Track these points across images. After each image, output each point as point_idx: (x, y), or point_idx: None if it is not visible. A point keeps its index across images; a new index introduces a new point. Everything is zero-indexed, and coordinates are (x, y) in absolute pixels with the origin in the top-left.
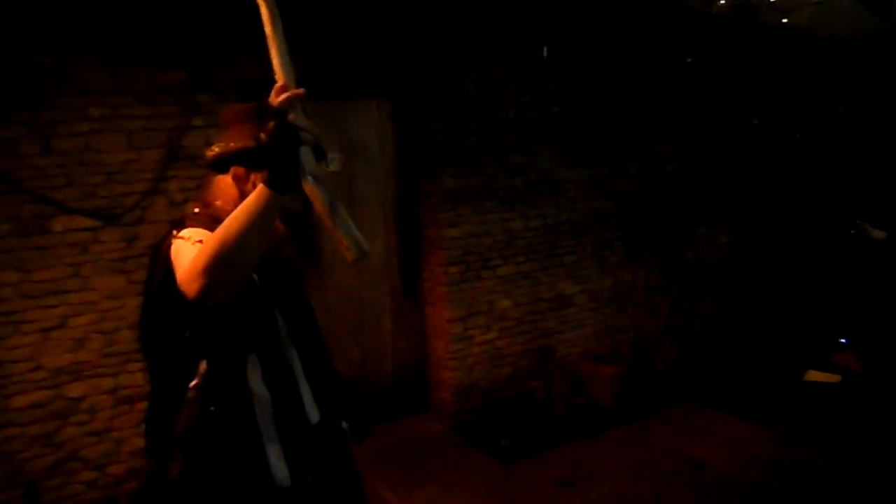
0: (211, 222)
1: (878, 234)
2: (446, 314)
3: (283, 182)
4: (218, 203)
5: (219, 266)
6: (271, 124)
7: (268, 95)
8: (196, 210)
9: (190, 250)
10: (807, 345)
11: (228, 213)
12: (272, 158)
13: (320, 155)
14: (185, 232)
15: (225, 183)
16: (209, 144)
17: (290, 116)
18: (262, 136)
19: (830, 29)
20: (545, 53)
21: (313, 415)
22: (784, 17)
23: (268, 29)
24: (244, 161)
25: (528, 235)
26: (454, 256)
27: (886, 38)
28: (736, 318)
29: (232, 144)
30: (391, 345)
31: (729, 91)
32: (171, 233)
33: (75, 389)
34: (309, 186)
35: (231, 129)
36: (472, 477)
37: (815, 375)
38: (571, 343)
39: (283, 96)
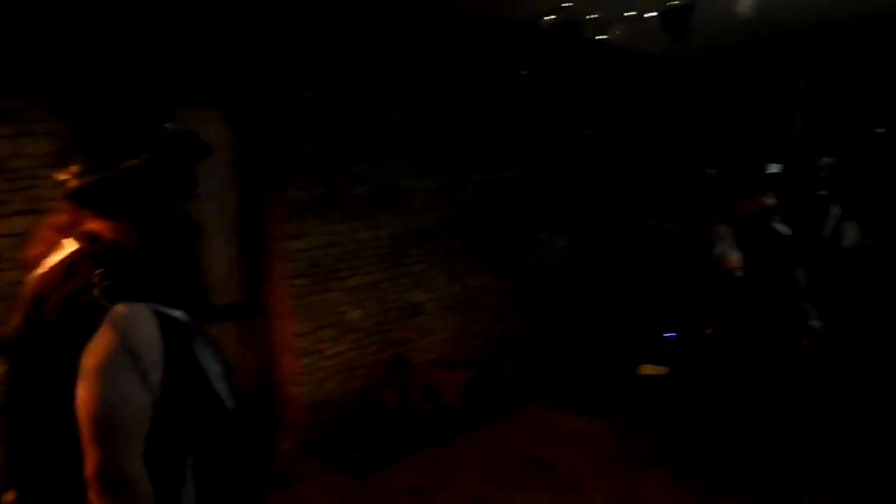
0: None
1: (782, 228)
2: (294, 328)
3: None
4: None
5: None
6: None
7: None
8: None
9: None
10: (639, 340)
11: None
12: None
13: None
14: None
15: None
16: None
17: None
18: None
19: (646, 45)
20: (386, 63)
21: None
22: (604, 34)
23: None
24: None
25: (377, 245)
26: (300, 269)
27: (694, 56)
28: (576, 318)
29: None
30: (235, 362)
31: (563, 103)
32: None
33: None
34: None
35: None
36: (322, 493)
37: (647, 369)
38: (423, 351)
39: None
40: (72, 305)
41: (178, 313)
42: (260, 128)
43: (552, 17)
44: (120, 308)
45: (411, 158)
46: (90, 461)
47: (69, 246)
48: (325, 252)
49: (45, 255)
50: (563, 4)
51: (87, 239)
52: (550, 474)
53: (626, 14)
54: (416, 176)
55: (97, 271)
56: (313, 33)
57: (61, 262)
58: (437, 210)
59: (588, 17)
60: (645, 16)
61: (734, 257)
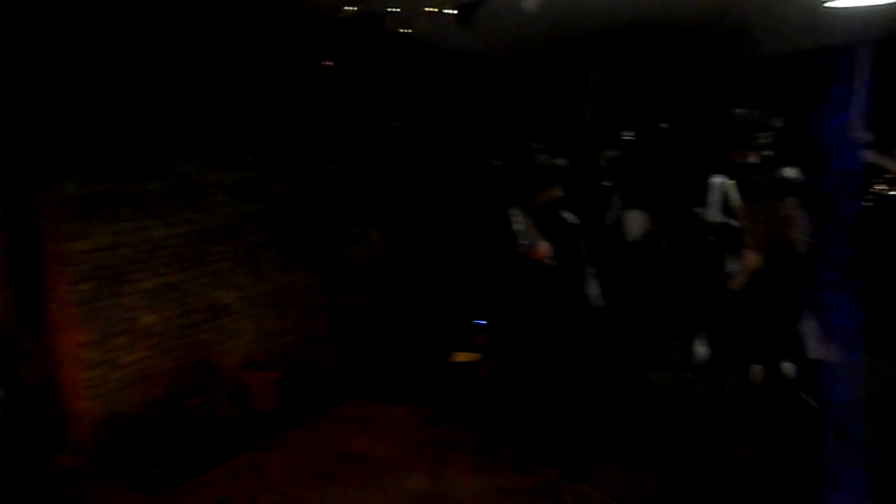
0: None
1: (570, 217)
2: (78, 338)
3: None
4: None
5: None
6: None
7: None
8: None
9: None
10: (452, 329)
11: None
12: None
13: None
14: None
15: None
16: None
17: None
18: None
19: (453, 40)
20: (180, 50)
21: None
22: (407, 28)
23: None
24: None
25: (174, 244)
26: (83, 272)
27: (497, 53)
28: (391, 310)
29: None
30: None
31: (370, 96)
32: None
33: None
34: None
35: None
36: None
37: (459, 356)
38: (232, 353)
39: None
40: None
41: None
42: (26, 116)
43: (353, 8)
44: None
45: (212, 151)
46: None
47: None
48: (113, 253)
49: None
50: None
51: None
52: (363, 467)
53: (426, 9)
54: (218, 169)
55: None
56: (92, 11)
57: None
58: (242, 205)
59: (389, 10)
60: (444, 11)
61: (543, 247)
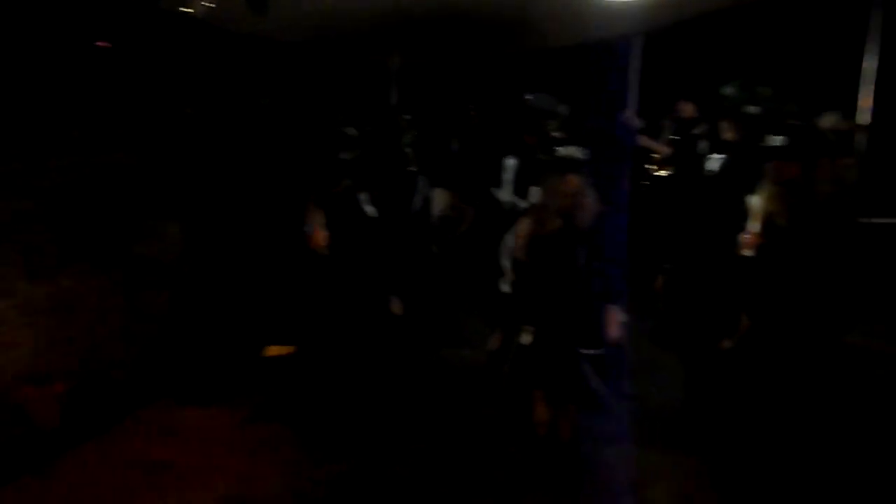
0: None
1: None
2: None
3: None
4: None
5: None
6: None
7: None
8: None
9: None
10: (264, 321)
11: None
12: None
13: None
14: None
15: None
16: None
17: None
18: None
19: (249, 25)
20: None
21: None
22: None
23: None
24: None
25: None
26: None
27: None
28: (198, 307)
29: None
30: None
31: (160, 81)
32: None
33: None
34: None
35: None
36: None
37: (272, 350)
38: (5, 368)
39: None
40: None
41: None
42: None
43: None
44: None
45: None
46: None
47: None
48: None
49: None
50: None
51: None
52: (168, 475)
53: None
54: None
55: None
56: None
57: None
58: (7, 202)
59: None
60: None
61: (320, 236)
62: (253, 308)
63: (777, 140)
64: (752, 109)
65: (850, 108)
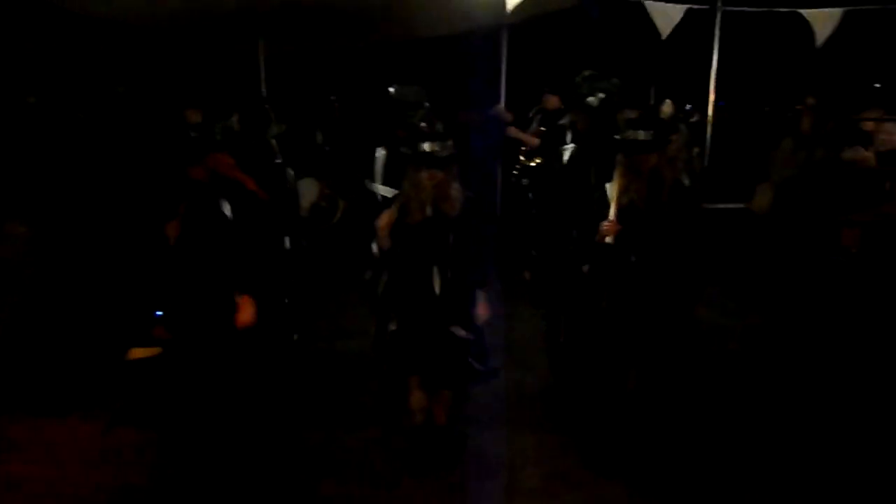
0: None
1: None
2: None
3: None
4: None
5: None
6: None
7: None
8: None
9: None
10: (125, 324)
11: None
12: None
13: None
14: None
15: None
16: None
17: None
18: None
19: (99, 7)
20: None
21: None
22: None
23: None
24: None
25: None
26: None
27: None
28: (48, 312)
29: None
30: None
31: None
32: None
33: None
34: None
35: None
36: None
37: (137, 352)
38: None
39: None
40: None
41: None
42: None
43: None
44: None
45: None
46: None
47: None
48: None
49: None
50: None
51: None
52: (18, 493)
53: None
54: None
55: None
56: None
57: None
58: None
59: None
60: None
61: (172, 227)
62: (111, 309)
63: (640, 134)
64: (593, 100)
65: (701, 103)
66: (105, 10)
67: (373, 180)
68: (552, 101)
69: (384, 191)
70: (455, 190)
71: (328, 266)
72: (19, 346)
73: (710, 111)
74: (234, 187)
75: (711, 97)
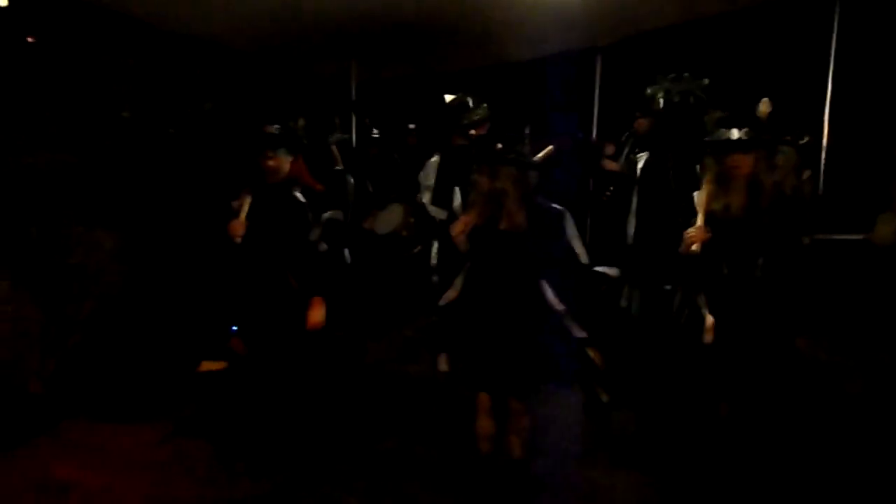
0: None
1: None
2: None
3: None
4: None
5: None
6: None
7: None
8: None
9: None
10: (200, 336)
11: None
12: None
13: None
14: None
15: None
16: None
17: None
18: None
19: (194, 26)
20: None
21: None
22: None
23: None
24: None
25: None
26: None
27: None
28: (127, 320)
29: None
30: None
31: (91, 80)
32: None
33: None
34: None
35: None
36: None
37: (206, 365)
38: None
39: None
40: None
41: None
42: None
43: None
44: None
45: None
46: None
47: None
48: None
49: None
50: None
51: None
52: (66, 499)
53: None
54: None
55: None
56: None
57: None
58: None
59: None
60: None
61: (238, 225)
62: (186, 321)
63: (732, 133)
64: (659, 100)
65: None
66: (201, 29)
67: (422, 193)
68: (642, 125)
69: (434, 211)
70: (521, 201)
71: (395, 293)
72: (94, 351)
73: (825, 130)
74: (305, 187)
75: (826, 115)
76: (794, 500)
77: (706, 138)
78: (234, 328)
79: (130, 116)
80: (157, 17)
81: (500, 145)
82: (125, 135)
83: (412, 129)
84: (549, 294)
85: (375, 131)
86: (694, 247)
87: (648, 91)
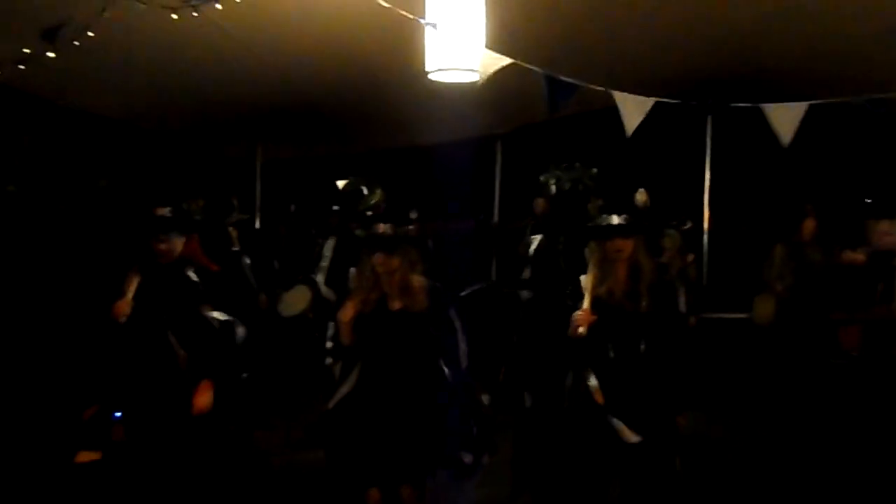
0: None
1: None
2: None
3: None
4: None
5: None
6: None
7: None
8: None
9: None
10: (77, 424)
11: None
12: None
13: None
14: None
15: None
16: None
17: None
18: None
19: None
20: None
21: None
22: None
23: None
24: None
25: None
26: None
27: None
28: None
29: None
30: None
31: None
32: None
33: None
34: None
35: None
36: None
37: (83, 456)
38: None
39: None
40: None
41: None
42: None
43: None
44: None
45: None
46: None
47: None
48: None
49: None
50: None
51: None
52: None
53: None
54: None
55: None
56: None
57: None
58: None
59: None
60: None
61: (124, 304)
62: (62, 406)
63: (612, 218)
64: (552, 187)
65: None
66: (102, 106)
67: (316, 274)
68: (540, 204)
69: (326, 291)
70: (416, 280)
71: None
72: None
73: (706, 216)
74: (199, 267)
75: (706, 202)
76: None
77: (589, 224)
78: (118, 415)
79: (16, 191)
80: (56, 93)
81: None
82: (9, 209)
83: (335, 211)
84: (447, 371)
85: (292, 206)
86: (581, 329)
87: (542, 178)
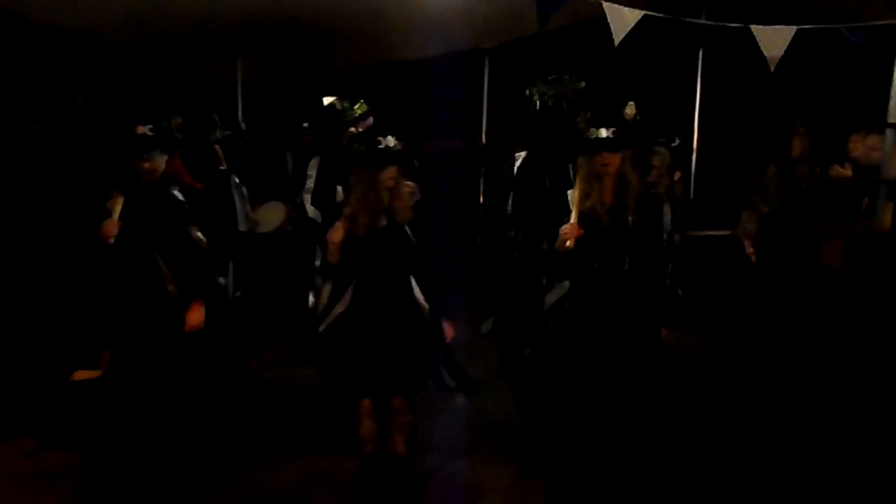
0: None
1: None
2: None
3: None
4: None
5: None
6: None
7: None
8: None
9: None
10: (73, 346)
11: None
12: None
13: None
14: None
15: None
16: None
17: None
18: None
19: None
20: None
21: None
22: None
23: None
24: None
25: None
26: None
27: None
28: None
29: None
30: None
31: None
32: None
33: None
34: None
35: None
36: None
37: (81, 374)
38: None
39: None
40: None
41: None
42: None
43: None
44: None
45: None
46: None
47: None
48: None
49: None
50: None
51: None
52: None
53: None
54: None
55: None
56: None
57: None
58: None
59: None
60: None
61: (111, 225)
62: (56, 327)
63: (601, 132)
64: (536, 100)
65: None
66: (75, 22)
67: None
68: (531, 124)
69: (312, 212)
70: (407, 187)
71: (279, 292)
72: None
73: (695, 134)
74: (184, 186)
75: (696, 120)
76: (669, 488)
77: (577, 137)
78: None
79: None
80: (28, 9)
81: (380, 140)
82: None
83: (306, 128)
84: (417, 292)
85: (244, 126)
86: (567, 243)
87: (526, 93)
